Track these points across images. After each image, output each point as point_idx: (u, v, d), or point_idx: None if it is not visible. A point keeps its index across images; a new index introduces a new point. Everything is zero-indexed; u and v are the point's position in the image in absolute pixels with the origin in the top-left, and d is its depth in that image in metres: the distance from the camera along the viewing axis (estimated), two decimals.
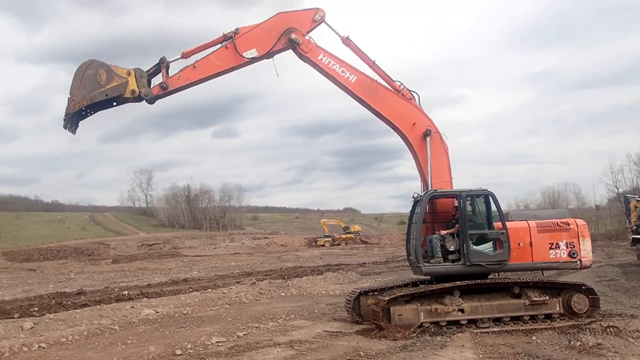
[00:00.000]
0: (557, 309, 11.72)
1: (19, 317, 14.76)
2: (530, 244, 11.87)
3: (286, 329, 12.48)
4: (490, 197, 12.06)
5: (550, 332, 10.93)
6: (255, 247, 68.88)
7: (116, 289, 22.42)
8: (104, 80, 12.18)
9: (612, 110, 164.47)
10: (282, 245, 72.47)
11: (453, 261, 11.81)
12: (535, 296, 11.62)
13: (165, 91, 12.65)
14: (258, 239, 79.50)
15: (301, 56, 13.07)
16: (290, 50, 13.11)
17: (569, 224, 12.10)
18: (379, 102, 12.98)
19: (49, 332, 12.71)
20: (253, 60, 12.88)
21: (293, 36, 12.72)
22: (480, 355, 9.23)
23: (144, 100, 12.62)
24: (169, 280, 26.81)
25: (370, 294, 12.71)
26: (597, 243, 47.54)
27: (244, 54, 12.68)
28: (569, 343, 9.84)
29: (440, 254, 11.81)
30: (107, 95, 12.24)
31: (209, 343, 10.93)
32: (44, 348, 11.10)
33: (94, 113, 12.70)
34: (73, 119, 12.41)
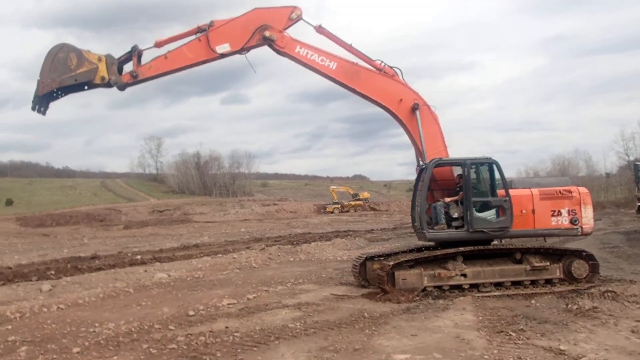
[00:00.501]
0: (558, 274, 12.01)
1: (37, 280, 15.29)
2: (533, 211, 12.11)
3: (294, 292, 12.89)
4: (494, 165, 12.26)
5: (549, 296, 11.28)
6: (264, 213, 69.52)
7: (129, 254, 22.98)
8: (74, 65, 12.15)
9: (626, 76, 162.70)
10: (291, 211, 73.07)
11: (457, 228, 12.11)
12: (536, 262, 11.90)
13: (135, 80, 12.59)
14: (267, 205, 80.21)
15: (278, 52, 12.96)
16: (268, 46, 12.96)
17: (571, 192, 12.32)
18: (363, 84, 12.95)
19: (67, 294, 13.22)
20: (225, 54, 12.76)
21: (267, 34, 12.56)
22: (480, 317, 9.59)
23: (115, 87, 12.59)
24: (180, 245, 27.35)
25: (376, 259, 13.08)
26: (604, 211, 47.69)
27: (217, 48, 12.55)
28: (567, 306, 10.18)
29: (444, 221, 12.10)
30: (76, 80, 12.24)
31: (220, 305, 11.36)
32: (62, 309, 11.56)
33: (64, 95, 12.74)
34: (42, 100, 12.45)
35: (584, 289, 11.54)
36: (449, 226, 12.13)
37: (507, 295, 11.51)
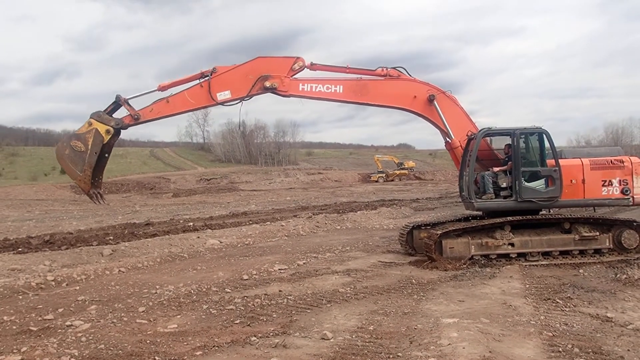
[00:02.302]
0: (607, 244, 11.98)
1: (97, 245, 16.08)
2: (583, 181, 12.06)
3: (342, 259, 13.24)
4: (544, 135, 12.20)
5: (597, 266, 11.30)
6: (309, 182, 70.17)
7: (181, 221, 23.76)
8: (83, 146, 12.34)
9: None
10: (336, 180, 73.51)
11: (505, 197, 12.17)
12: (585, 231, 11.90)
13: (137, 122, 12.77)
14: (312, 174, 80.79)
15: (284, 96, 13.03)
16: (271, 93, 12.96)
17: (623, 162, 12.18)
18: (373, 96, 12.94)
19: (126, 258, 13.91)
20: (226, 102, 12.86)
21: (268, 84, 12.56)
22: (527, 286, 9.73)
23: (121, 130, 12.72)
24: (229, 213, 28.03)
25: (423, 228, 13.29)
26: None
27: (217, 96, 12.63)
28: (615, 276, 10.23)
29: (492, 190, 12.17)
30: (96, 153, 12.44)
31: (272, 270, 11.82)
32: (123, 272, 12.22)
33: (102, 171, 13.14)
34: (93, 193, 12.86)
35: (634, 259, 11.50)
36: (497, 196, 12.19)
37: (555, 264, 11.59)
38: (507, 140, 12.48)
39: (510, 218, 11.93)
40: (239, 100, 13.01)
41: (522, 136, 12.31)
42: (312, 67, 13.02)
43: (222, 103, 12.91)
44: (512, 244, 11.90)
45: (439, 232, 11.92)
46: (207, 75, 12.69)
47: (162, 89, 12.97)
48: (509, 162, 12.26)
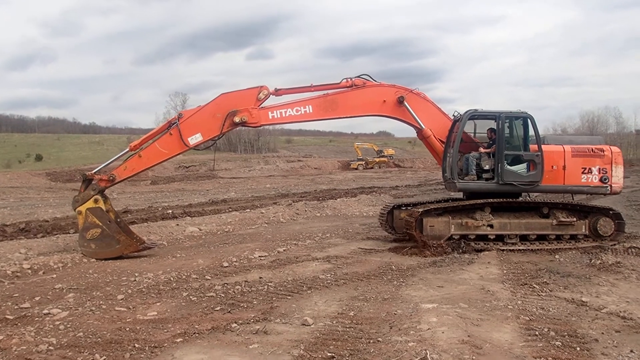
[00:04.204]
0: (583, 230, 12.22)
1: (74, 233, 15.84)
2: (564, 167, 12.26)
3: (323, 246, 13.29)
4: (528, 120, 12.35)
5: (573, 251, 11.54)
6: (289, 169, 70.03)
7: (159, 208, 23.50)
8: (97, 230, 12.07)
9: None
10: (315, 168, 73.46)
11: (487, 179, 12.34)
12: (563, 217, 12.11)
13: (113, 182, 12.64)
14: (292, 161, 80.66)
15: (255, 127, 13.06)
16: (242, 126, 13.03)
17: (603, 150, 12.40)
18: (343, 109, 12.91)
19: None
20: (199, 144, 12.79)
21: (237, 119, 12.42)
22: (505, 271, 9.89)
23: (99, 193, 12.38)
24: (209, 200, 27.87)
25: (404, 208, 13.46)
26: (633, 168, 47.25)
27: (189, 140, 12.47)
28: (590, 261, 10.44)
29: (474, 172, 12.34)
30: (110, 222, 12.24)
31: (252, 257, 11.81)
32: (102, 260, 12.09)
33: (129, 231, 12.86)
34: (143, 246, 12.65)
35: (609, 246, 11.72)
36: (479, 177, 12.37)
37: (532, 250, 11.78)
38: (489, 125, 12.65)
39: (491, 200, 12.11)
40: (212, 141, 13.06)
41: (507, 120, 12.43)
42: (277, 92, 12.88)
43: (196, 147, 12.84)
44: (491, 226, 12.08)
45: (420, 210, 12.06)
46: (174, 123, 12.53)
47: (132, 148, 12.77)
48: (493, 145, 12.39)
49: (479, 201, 12.16)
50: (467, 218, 12.14)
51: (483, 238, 12.12)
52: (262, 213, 20.12)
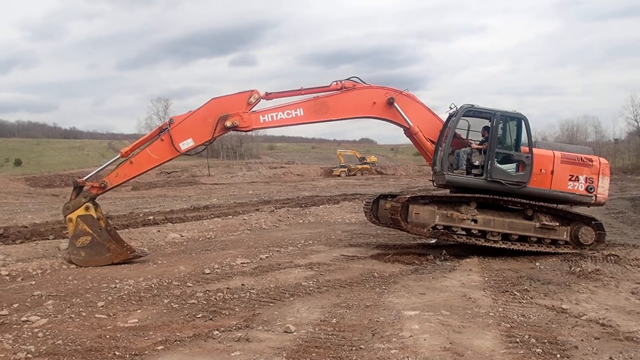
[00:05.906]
0: (564, 236, 12.32)
1: (54, 239, 15.69)
2: (552, 172, 12.38)
3: (305, 253, 13.26)
4: (522, 121, 12.47)
5: (553, 259, 11.65)
6: (271, 176, 69.95)
7: (141, 214, 23.31)
8: (87, 237, 11.95)
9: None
10: (298, 174, 73.43)
11: (475, 175, 12.44)
12: (546, 220, 12.21)
13: (105, 190, 12.53)
14: (274, 168, 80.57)
15: (247, 131, 13.02)
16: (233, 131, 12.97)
17: (592, 160, 12.57)
18: (334, 111, 12.95)
19: None
20: (190, 150, 12.75)
21: (228, 123, 12.40)
22: (486, 278, 9.96)
23: (91, 200, 12.27)
24: (190, 206, 27.68)
25: (389, 198, 13.67)
26: (612, 177, 47.80)
27: (180, 145, 12.40)
28: (570, 269, 10.57)
29: (464, 167, 12.46)
30: (100, 229, 12.13)
31: (234, 264, 11.75)
32: (82, 267, 11.95)
33: (119, 239, 12.87)
34: (133, 254, 12.61)
35: (588, 254, 11.85)
36: (469, 172, 12.48)
37: (512, 257, 11.88)
38: (482, 124, 12.83)
39: (478, 195, 12.23)
40: (204, 146, 12.98)
41: (502, 119, 12.54)
42: (268, 96, 12.88)
43: (188, 152, 12.80)
44: (475, 221, 12.17)
45: (407, 197, 12.18)
46: (166, 128, 12.47)
47: (124, 155, 12.70)
48: (486, 143, 12.53)
49: (466, 195, 12.26)
50: (452, 210, 12.23)
51: (466, 232, 12.27)
52: (244, 219, 20.04)
